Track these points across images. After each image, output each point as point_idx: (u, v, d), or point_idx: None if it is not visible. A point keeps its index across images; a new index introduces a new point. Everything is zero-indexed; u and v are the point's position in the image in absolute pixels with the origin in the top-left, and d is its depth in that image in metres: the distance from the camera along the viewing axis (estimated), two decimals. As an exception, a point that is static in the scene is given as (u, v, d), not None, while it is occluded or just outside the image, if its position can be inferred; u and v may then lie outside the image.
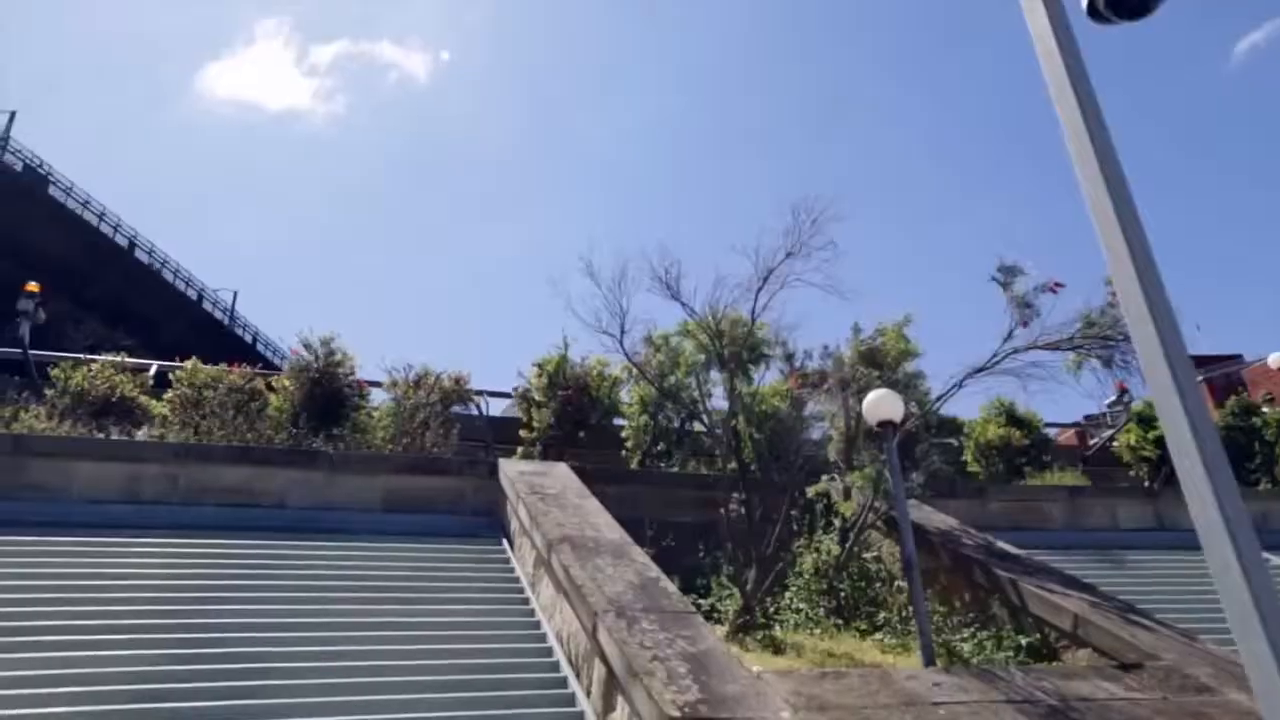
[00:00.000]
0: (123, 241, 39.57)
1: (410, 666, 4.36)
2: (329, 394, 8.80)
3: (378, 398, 9.54)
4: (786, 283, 7.02)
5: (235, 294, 46.01)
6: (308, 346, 9.07)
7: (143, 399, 8.66)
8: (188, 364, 8.80)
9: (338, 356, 9.17)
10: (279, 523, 6.24)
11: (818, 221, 6.90)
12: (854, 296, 7.91)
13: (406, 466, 7.15)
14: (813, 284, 6.99)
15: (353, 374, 9.24)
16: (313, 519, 6.37)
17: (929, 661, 4.81)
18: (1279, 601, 2.02)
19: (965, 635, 5.56)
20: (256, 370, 9.49)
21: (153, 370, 9.91)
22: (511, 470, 6.86)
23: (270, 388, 8.96)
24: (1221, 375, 20.69)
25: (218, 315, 44.50)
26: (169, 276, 41.70)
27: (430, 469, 7.18)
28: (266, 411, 8.50)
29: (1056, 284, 7.03)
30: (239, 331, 44.74)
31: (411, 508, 6.75)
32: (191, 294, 43.07)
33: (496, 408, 11.91)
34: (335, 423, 8.49)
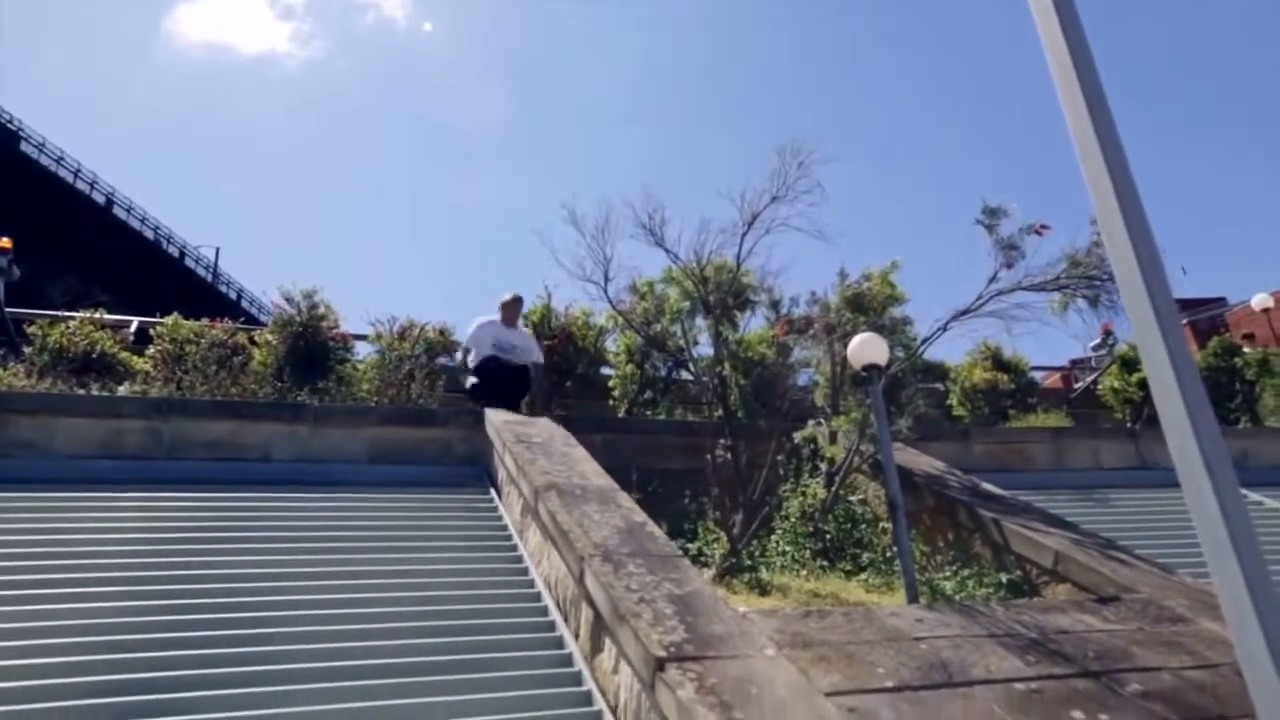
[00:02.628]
0: (99, 198, 38.91)
1: (399, 613, 4.39)
2: (313, 348, 8.75)
3: (362, 350, 9.51)
4: (772, 228, 6.96)
5: (217, 250, 45.44)
6: (289, 300, 9.00)
7: (123, 355, 8.58)
8: (168, 320, 8.71)
9: (320, 310, 9.10)
10: (264, 475, 6.23)
11: (804, 164, 6.81)
12: (840, 241, 7.89)
13: (392, 418, 7.14)
14: (798, 228, 6.93)
15: (336, 327, 9.18)
16: (298, 471, 6.36)
17: (912, 599, 4.89)
18: (1253, 534, 2.03)
19: (948, 574, 5.65)
20: (239, 325, 9.41)
21: (133, 327, 9.82)
22: (497, 420, 6.85)
23: (253, 342, 8.89)
24: (1205, 318, 20.83)
25: (200, 272, 44.00)
26: (149, 234, 41.10)
27: (416, 420, 7.17)
28: (250, 366, 8.45)
29: (1042, 226, 7.00)
30: (222, 288, 44.30)
31: (397, 459, 6.76)
32: (173, 251, 42.50)
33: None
34: (319, 376, 8.45)
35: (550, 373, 9.45)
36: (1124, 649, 3.91)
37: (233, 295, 43.79)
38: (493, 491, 6.39)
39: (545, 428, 6.79)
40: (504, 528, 5.73)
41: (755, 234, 6.99)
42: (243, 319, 10.26)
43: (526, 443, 6.23)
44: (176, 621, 4.10)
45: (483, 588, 4.81)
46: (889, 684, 3.37)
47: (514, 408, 7.65)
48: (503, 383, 7.90)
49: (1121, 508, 7.55)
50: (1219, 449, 2.08)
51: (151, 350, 8.41)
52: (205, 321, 8.96)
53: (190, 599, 4.33)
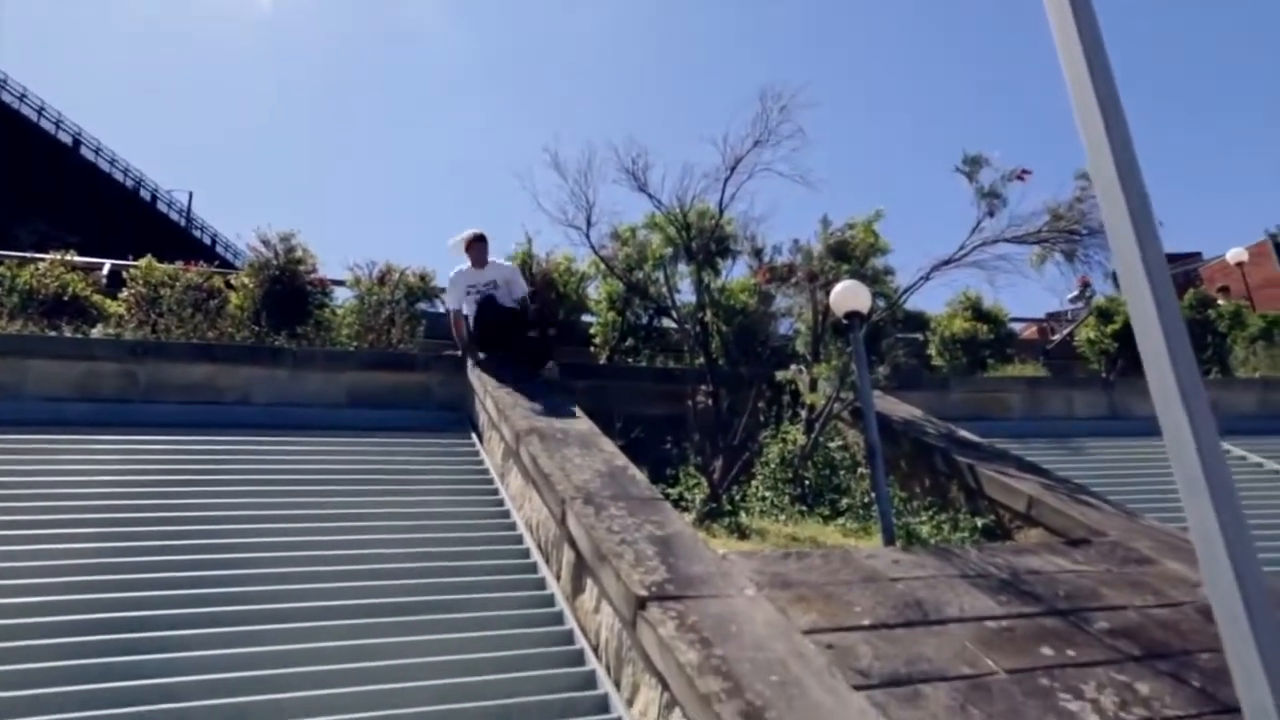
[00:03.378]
0: (66, 139, 37.84)
1: (380, 555, 4.41)
2: (290, 292, 8.61)
3: (341, 296, 9.38)
4: (754, 173, 6.89)
5: (190, 195, 44.53)
6: (266, 243, 8.83)
7: (96, 298, 8.42)
8: (142, 262, 8.54)
9: (298, 253, 8.94)
10: (243, 419, 6.19)
11: (787, 108, 6.72)
12: (823, 188, 7.82)
13: (372, 362, 7.09)
14: (781, 173, 6.86)
15: (314, 271, 9.03)
16: (277, 415, 6.33)
17: (889, 542, 4.97)
18: (1226, 468, 2.07)
19: (924, 519, 5.75)
20: (214, 269, 9.25)
21: (105, 269, 9.64)
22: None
23: (229, 286, 8.75)
24: (1181, 273, 21.04)
25: (173, 217, 43.11)
26: (119, 176, 40.13)
27: (396, 365, 7.13)
28: (226, 310, 8.32)
29: (1024, 172, 6.97)
30: (196, 233, 43.50)
31: (378, 403, 6.73)
32: (144, 195, 41.57)
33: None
34: (298, 321, 8.35)
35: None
36: (1092, 589, 4.01)
37: (207, 241, 42.97)
38: (474, 436, 6.39)
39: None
40: (485, 472, 5.75)
41: (738, 179, 6.92)
42: (217, 263, 10.09)
43: (508, 387, 6.21)
44: (156, 563, 4.10)
45: (464, 530, 4.84)
46: (866, 622, 3.44)
47: (514, 353, 6.99)
48: (493, 333, 7.11)
49: (1094, 455, 7.68)
50: (1195, 383, 2.10)
51: (125, 293, 8.25)
52: (180, 264, 8.80)
53: (169, 540, 4.32)
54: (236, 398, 6.45)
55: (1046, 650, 3.37)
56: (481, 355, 7.07)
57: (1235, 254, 17.83)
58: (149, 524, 4.49)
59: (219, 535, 4.44)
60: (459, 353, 7.26)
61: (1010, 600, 3.80)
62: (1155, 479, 6.89)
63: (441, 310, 10.53)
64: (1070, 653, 3.36)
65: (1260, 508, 6.50)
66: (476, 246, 7.15)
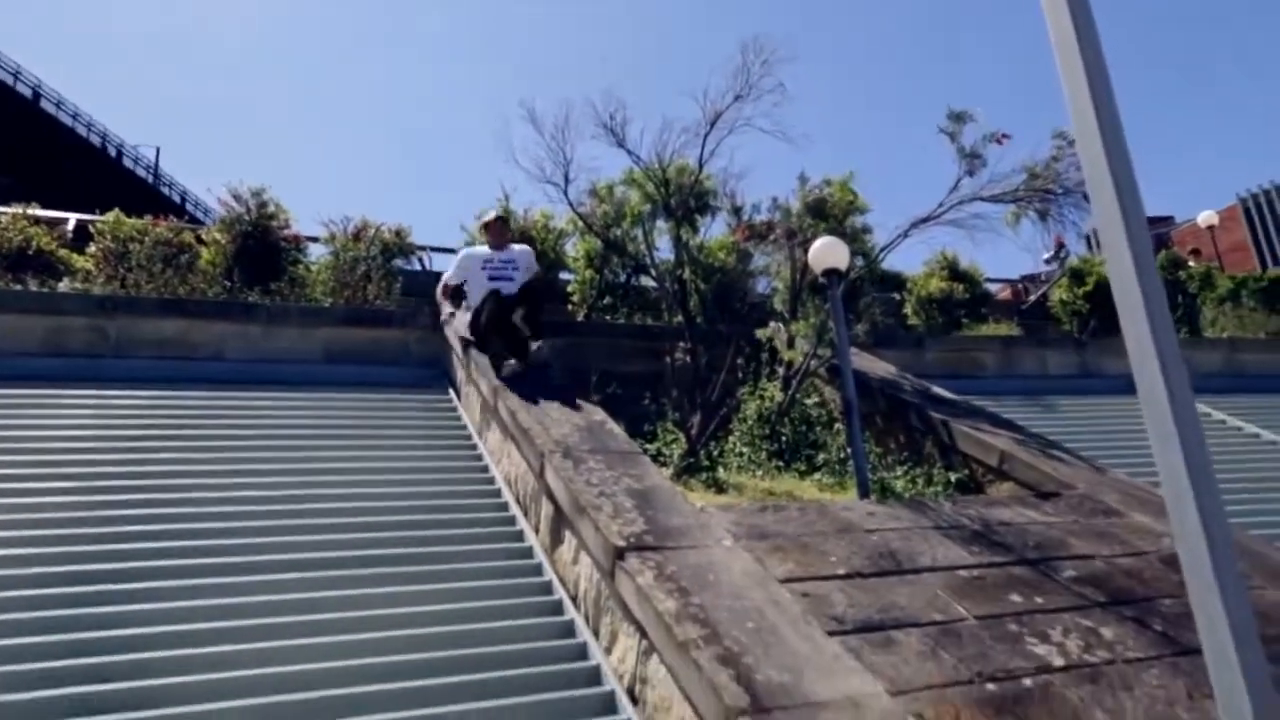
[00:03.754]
0: (25, 91, 36.67)
1: (359, 509, 4.41)
2: (263, 247, 8.48)
3: (315, 252, 9.25)
4: (734, 128, 6.84)
5: (158, 151, 43.40)
6: (237, 198, 8.66)
7: (62, 252, 8.23)
8: (109, 216, 8.35)
9: (270, 209, 8.79)
10: (217, 374, 6.13)
11: (768, 62, 6.66)
12: (803, 144, 7.80)
13: (348, 318, 7.02)
14: (762, 129, 6.82)
15: (287, 227, 8.89)
16: (252, 371, 6.26)
17: (864, 496, 5.04)
18: (1198, 426, 2.11)
19: (899, 473, 5.83)
20: (184, 224, 9.07)
21: (71, 224, 9.40)
22: (457, 322, 6.77)
23: (200, 241, 8.59)
24: (1154, 235, 21.25)
25: (140, 173, 42.10)
26: (82, 130, 39.04)
27: (373, 321, 7.06)
28: (198, 266, 8.18)
29: (1003, 135, 6.99)
30: (165, 190, 42.53)
31: (354, 359, 6.68)
32: (110, 150, 40.51)
33: (441, 264, 11.69)
34: (271, 277, 8.22)
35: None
36: (1060, 539, 4.10)
37: (176, 198, 41.98)
38: (451, 392, 6.37)
39: (504, 330, 6.73)
40: (463, 427, 5.74)
41: (718, 134, 6.87)
42: (186, 219, 9.90)
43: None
44: (129, 515, 4.07)
45: (443, 484, 4.84)
46: (841, 571, 3.50)
47: (521, 341, 5.86)
48: (496, 318, 5.88)
49: (1065, 412, 7.81)
50: (1171, 340, 2.14)
51: (92, 248, 8.08)
52: (149, 219, 8.61)
53: (142, 494, 4.29)
54: (210, 353, 6.37)
55: (1015, 597, 3.45)
56: (471, 345, 6.10)
57: (1206, 217, 18.01)
58: (122, 478, 4.45)
59: (193, 490, 4.41)
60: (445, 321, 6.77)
61: (981, 550, 3.88)
62: (1124, 435, 7.03)
63: (417, 268, 10.46)
64: (1038, 599, 3.44)
65: (1225, 464, 6.66)
66: (496, 227, 6.61)
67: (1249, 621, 1.92)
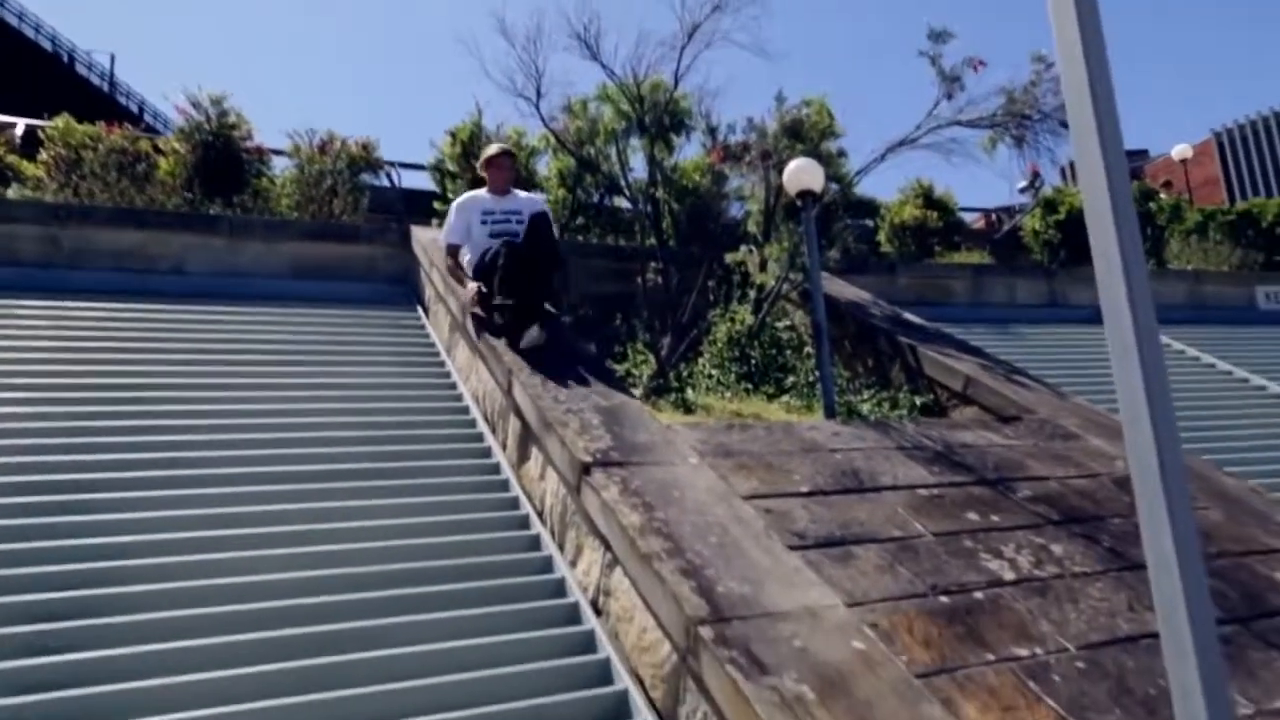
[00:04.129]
0: (-35, -12, 34.75)
1: (327, 424, 4.39)
2: (225, 158, 8.21)
3: (280, 166, 8.99)
4: (712, 41, 6.66)
5: (112, 57, 41.52)
6: (196, 105, 8.34)
7: (11, 159, 7.93)
8: (59, 121, 8.01)
9: (232, 118, 8.48)
10: (178, 288, 5.99)
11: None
12: (780, 60, 7.64)
13: (314, 233, 6.86)
14: (739, 44, 6.66)
15: (250, 139, 8.60)
16: (215, 285, 6.12)
17: (830, 417, 5.10)
18: (1158, 344, 2.12)
19: (866, 397, 5.90)
20: (140, 132, 8.73)
21: (19, 129, 9.03)
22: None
23: (158, 151, 8.28)
24: (1129, 169, 21.28)
25: (95, 81, 40.33)
26: (29, 33, 37.16)
27: (340, 236, 6.91)
28: (156, 176, 7.92)
29: (979, 62, 6.90)
30: (122, 100, 40.86)
31: (321, 275, 6.55)
32: (61, 55, 38.68)
33: (410, 182, 11.43)
34: (234, 189, 8.00)
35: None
36: (1019, 461, 4.19)
37: (134, 109, 40.37)
38: (420, 310, 6.30)
39: (474, 248, 6.63)
40: (431, 345, 5.70)
41: (695, 48, 6.68)
42: (143, 127, 9.54)
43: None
44: (92, 428, 4.02)
45: (411, 401, 4.82)
46: (804, 489, 3.56)
47: (543, 302, 4.72)
48: (520, 272, 4.66)
49: (1032, 340, 7.92)
50: (1136, 251, 2.13)
51: (44, 155, 7.77)
52: (101, 125, 8.27)
53: (106, 406, 4.23)
54: (170, 267, 6.21)
55: (972, 515, 3.54)
56: (485, 323, 4.79)
57: (1180, 150, 18.04)
58: (83, 390, 4.37)
59: (158, 403, 4.35)
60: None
61: (942, 471, 3.96)
62: (1088, 363, 7.15)
63: (386, 184, 10.20)
64: (994, 518, 3.54)
65: (1182, 392, 6.81)
66: (498, 164, 5.26)
67: (1192, 535, 1.98)
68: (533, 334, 4.47)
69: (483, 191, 5.34)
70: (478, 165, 5.30)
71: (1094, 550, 3.36)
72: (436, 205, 9.38)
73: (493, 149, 5.41)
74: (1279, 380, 7.33)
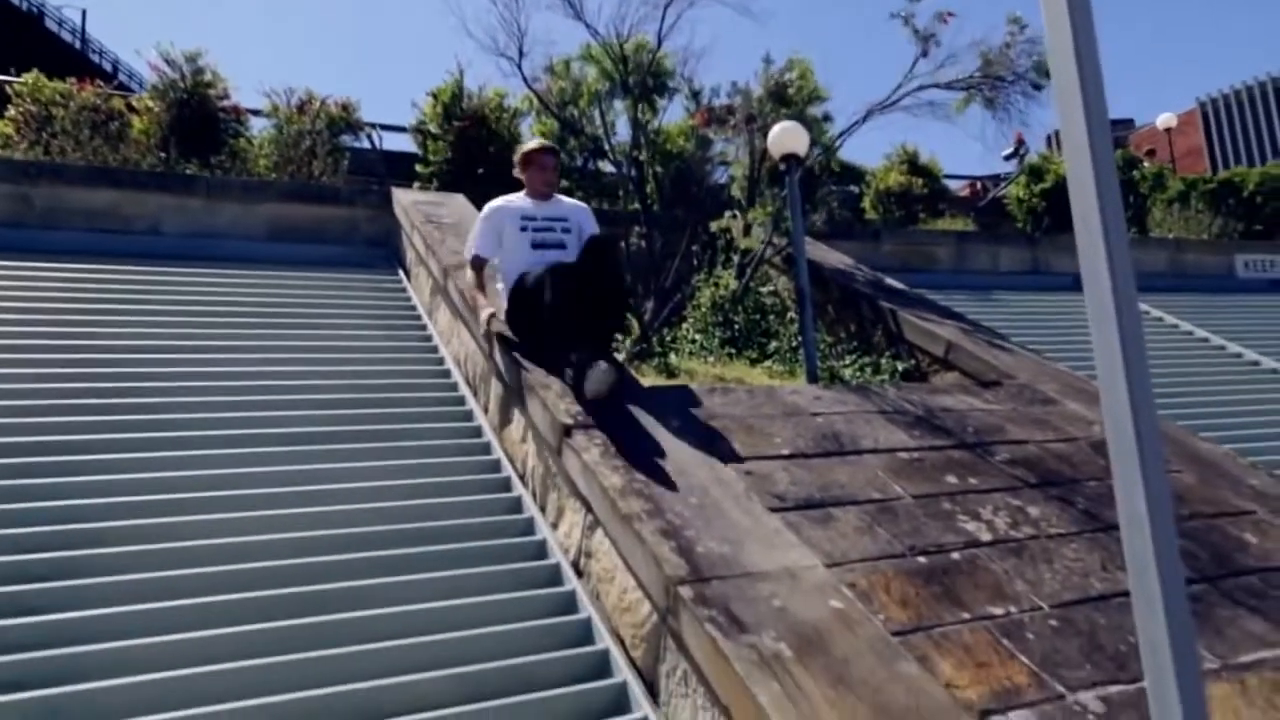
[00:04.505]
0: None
1: (308, 386, 4.36)
2: (201, 117, 8.06)
3: (257, 126, 8.83)
4: (696, 0, 6.57)
5: (84, 13, 40.42)
6: (170, 63, 8.16)
7: (-22, 116, 7.73)
8: (28, 77, 7.81)
9: (207, 76, 8.31)
10: (154, 249, 5.90)
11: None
12: (764, 19, 7.55)
13: (293, 194, 6.76)
14: (724, 1, 6.56)
15: (226, 97, 8.44)
16: (192, 247, 6.04)
17: (813, 382, 5.12)
18: (1136, 308, 2.13)
19: (848, 362, 5.93)
20: (113, 90, 8.54)
21: (-13, 85, 8.79)
22: (405, 199, 6.58)
23: (131, 109, 8.11)
24: (1113, 139, 21.31)
25: (65, 37, 39.30)
26: (-5, -14, 36.04)
27: (319, 198, 6.81)
28: (129, 135, 7.76)
29: (948, 14, 6.89)
30: (94, 57, 39.87)
31: (300, 237, 6.47)
32: (29, 9, 37.60)
33: (391, 144, 11.27)
34: (211, 150, 7.85)
35: (462, 157, 9.01)
36: (998, 425, 4.23)
37: (107, 67, 39.41)
38: (401, 273, 6.24)
39: (457, 208, 6.56)
40: (413, 308, 5.65)
41: (679, 5, 6.61)
42: (115, 84, 9.32)
43: (436, 223, 6.03)
44: (66, 390, 3.97)
45: (392, 364, 4.80)
46: (785, 452, 3.58)
47: (604, 342, 3.96)
48: (572, 304, 3.67)
49: (1014, 307, 7.96)
50: (1117, 214, 2.13)
51: (12, 111, 7.58)
52: (73, 82, 8.07)
53: (80, 369, 4.17)
54: (146, 227, 6.11)
55: (951, 478, 3.57)
56: (518, 351, 3.93)
57: (1165, 119, 18.04)
58: (58, 351, 4.31)
59: (136, 365, 4.30)
60: (484, 332, 4.15)
61: (922, 434, 3.98)
62: (1069, 330, 7.20)
63: (366, 145, 10.04)
64: (972, 480, 3.57)
65: (1159, 358, 6.89)
66: (540, 163, 4.31)
67: (1164, 496, 2.00)
68: (599, 372, 3.46)
69: (518, 196, 4.36)
70: (515, 164, 4.42)
71: (1069, 512, 3.40)
72: (418, 168, 9.27)
73: (533, 144, 4.43)
74: (1256, 348, 7.42)
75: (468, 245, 4.36)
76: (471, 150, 9.12)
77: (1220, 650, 2.61)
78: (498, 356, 3.93)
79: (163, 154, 7.48)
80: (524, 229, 4.15)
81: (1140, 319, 2.09)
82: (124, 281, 5.28)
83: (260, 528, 3.21)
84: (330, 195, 6.89)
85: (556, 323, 3.68)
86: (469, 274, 4.31)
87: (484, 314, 4.09)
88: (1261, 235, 11.44)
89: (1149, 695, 1.95)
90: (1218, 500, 3.68)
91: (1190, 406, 5.94)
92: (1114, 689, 2.39)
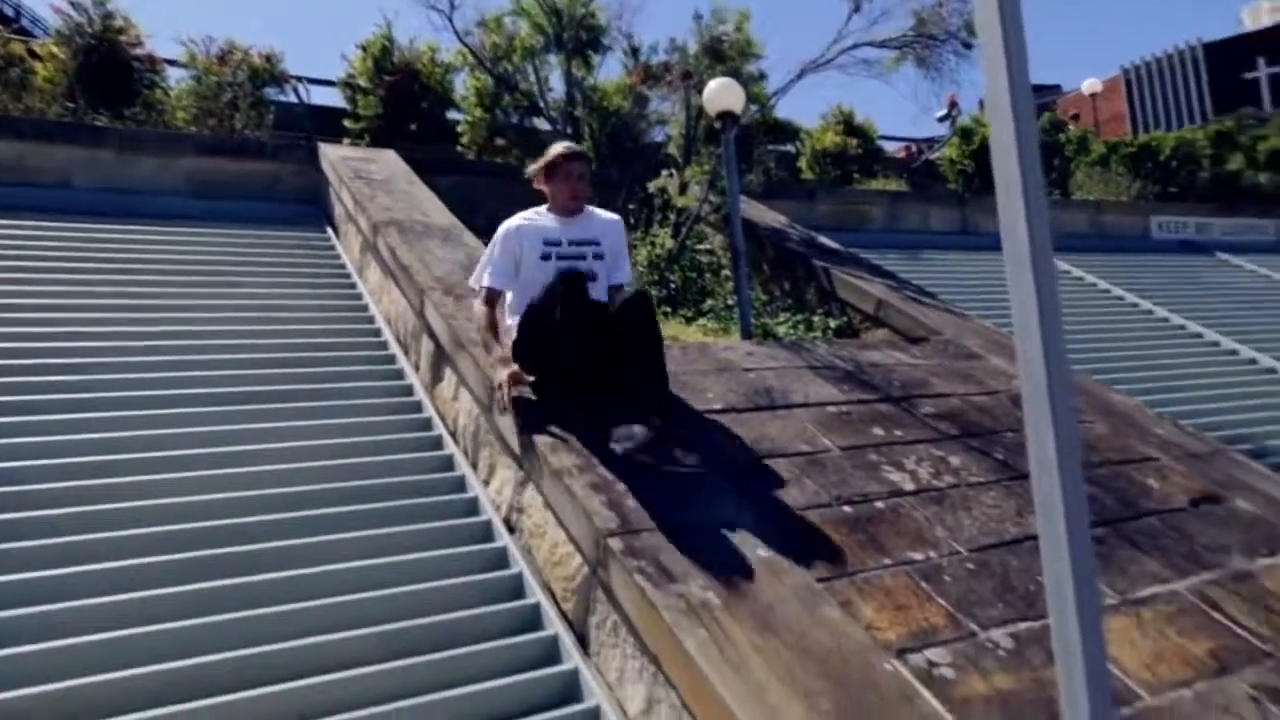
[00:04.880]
0: None
1: (234, 345, 4.23)
2: (111, 66, 7.64)
3: (175, 77, 8.43)
4: (633, -49, 6.46)
5: (-21, -49, 37.82)
6: (75, 4, 7.70)
7: None
8: (-81, 19, 7.30)
9: (118, 21, 7.87)
10: (65, 204, 5.60)
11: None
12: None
13: (214, 148, 6.49)
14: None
15: (140, 45, 8.02)
16: (105, 202, 5.76)
17: (746, 337, 5.18)
18: (1049, 249, 2.20)
19: (782, 319, 6.00)
20: (10, 34, 8.05)
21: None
22: (334, 155, 6.38)
23: (34, 55, 7.66)
24: (1040, 104, 21.76)
25: (-39, -23, 36.76)
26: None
27: (241, 151, 6.56)
28: (33, 84, 7.34)
29: None
30: (-7, 0, 37.40)
31: (223, 193, 6.23)
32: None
33: (320, 98, 10.89)
34: (123, 101, 7.48)
35: (393, 113, 8.77)
36: (924, 380, 4.35)
37: (9, 11, 37.11)
38: (329, 230, 6.07)
39: (388, 164, 6.40)
40: (342, 266, 5.52)
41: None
42: (16, 29, 8.78)
43: (366, 179, 5.87)
44: (-26, 350, 3.78)
45: (322, 323, 4.68)
46: (716, 406, 3.62)
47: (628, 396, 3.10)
48: (589, 337, 3.06)
49: (943, 266, 8.14)
50: (1035, 171, 2.19)
51: (-98, 58, 7.10)
52: (-32, 25, 7.59)
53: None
54: (55, 180, 5.81)
55: (878, 431, 3.66)
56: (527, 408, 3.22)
57: (1090, 84, 18.49)
58: (-41, 311, 4.10)
59: (60, 324, 4.12)
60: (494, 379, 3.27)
61: (852, 389, 4.07)
62: (994, 288, 7.40)
63: (292, 99, 9.68)
64: (898, 432, 3.67)
65: (1077, 315, 7.14)
66: (568, 171, 3.45)
67: (1073, 440, 2.09)
68: (631, 435, 2.92)
69: (539, 212, 3.52)
70: (534, 174, 3.56)
71: (988, 462, 3.53)
72: (348, 123, 9.00)
73: (557, 148, 3.52)
74: (1167, 305, 7.74)
75: (477, 272, 3.53)
76: (403, 105, 8.89)
77: (1120, 586, 2.76)
78: (509, 433, 3.21)
79: (70, 104, 7.09)
80: (547, 257, 3.32)
81: (1055, 271, 2.16)
82: (34, 237, 5.01)
83: (193, 488, 3.14)
84: (254, 149, 6.64)
85: (569, 357, 3.05)
86: (478, 308, 3.43)
87: (500, 374, 3.18)
88: (1175, 198, 11.89)
89: (1052, 629, 2.06)
90: (1126, 449, 3.86)
91: (1106, 361, 6.19)
92: (1023, 625, 2.51)
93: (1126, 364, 6.29)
